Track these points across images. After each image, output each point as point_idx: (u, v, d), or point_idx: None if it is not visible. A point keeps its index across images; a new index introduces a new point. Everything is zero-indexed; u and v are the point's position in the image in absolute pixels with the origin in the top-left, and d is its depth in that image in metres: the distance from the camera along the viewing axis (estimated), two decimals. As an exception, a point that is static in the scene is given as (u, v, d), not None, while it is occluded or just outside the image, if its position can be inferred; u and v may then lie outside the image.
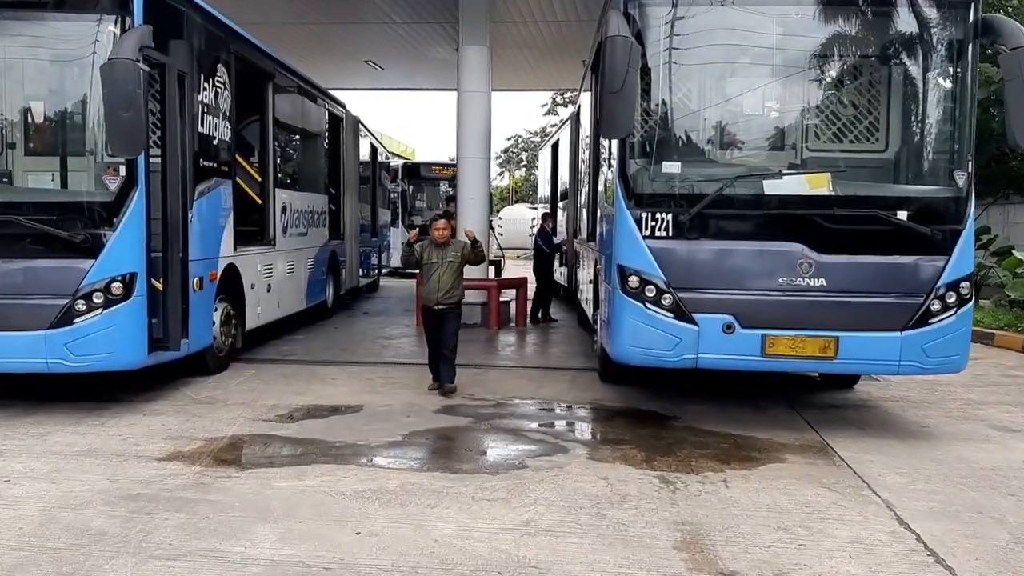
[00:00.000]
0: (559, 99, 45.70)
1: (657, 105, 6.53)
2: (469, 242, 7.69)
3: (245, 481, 5.13)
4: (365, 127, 16.68)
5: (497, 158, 62.28)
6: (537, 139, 45.67)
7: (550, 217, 14.69)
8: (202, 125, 7.90)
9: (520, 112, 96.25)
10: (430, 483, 5.12)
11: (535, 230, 15.69)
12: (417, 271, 8.15)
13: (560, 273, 15.13)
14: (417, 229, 7.51)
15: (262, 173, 10.15)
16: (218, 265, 8.34)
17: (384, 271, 20.68)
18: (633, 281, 6.38)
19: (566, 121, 15.71)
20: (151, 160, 6.89)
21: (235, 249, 8.82)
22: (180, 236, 7.37)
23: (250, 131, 10.48)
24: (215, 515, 4.54)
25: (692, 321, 6.29)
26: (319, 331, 11.89)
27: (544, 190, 20.64)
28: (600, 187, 8.28)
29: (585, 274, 11.02)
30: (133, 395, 7.38)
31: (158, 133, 7.00)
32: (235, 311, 8.94)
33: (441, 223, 7.75)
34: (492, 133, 13.20)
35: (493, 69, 13.32)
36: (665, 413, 7.15)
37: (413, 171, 25.28)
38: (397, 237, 23.92)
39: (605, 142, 7.63)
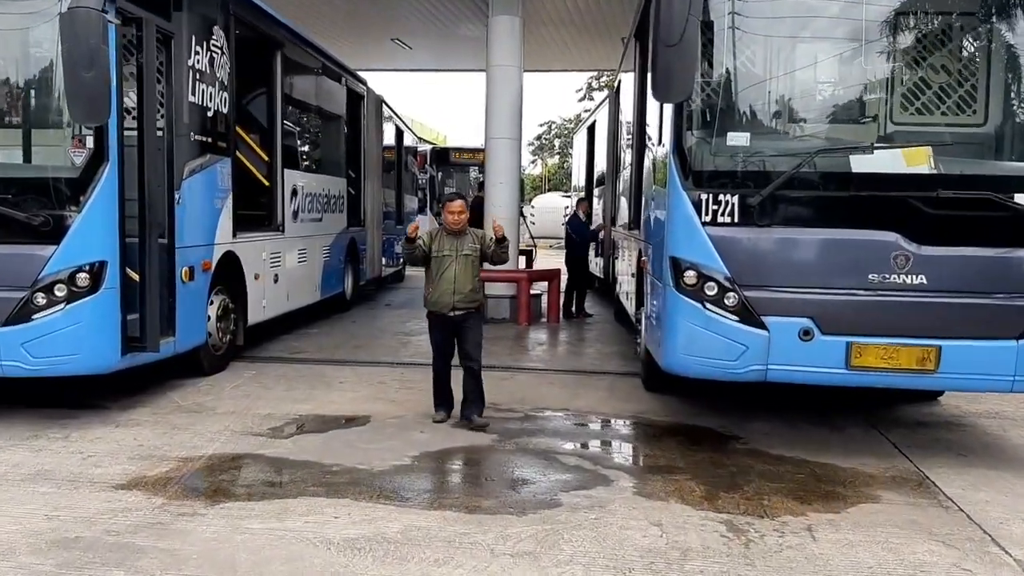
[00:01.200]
0: (595, 83, 44.28)
1: (721, 65, 5.44)
2: (493, 237, 6.04)
3: (212, 521, 4.15)
4: (390, 108, 15.69)
5: (529, 145, 61.06)
6: (572, 126, 44.37)
7: (584, 203, 13.53)
8: (193, 94, 6.94)
9: (554, 97, 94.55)
10: (440, 528, 4.10)
11: (567, 218, 14.56)
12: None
13: (595, 264, 14.04)
14: (416, 221, 6.01)
15: (269, 152, 9.19)
16: (213, 253, 7.40)
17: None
18: (689, 276, 5.31)
19: (603, 101, 14.61)
20: (127, 132, 5.96)
21: (235, 235, 7.87)
22: (163, 220, 6.45)
23: (257, 106, 9.54)
24: (161, 574, 3.57)
25: (761, 325, 5.21)
26: (335, 325, 10.95)
27: (579, 177, 19.54)
28: (646, 166, 7.20)
29: (625, 266, 9.95)
30: (111, 401, 6.46)
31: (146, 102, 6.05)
32: (235, 304, 8.01)
33: (456, 204, 5.96)
34: (524, 115, 12.14)
35: (525, 48, 12.25)
36: (722, 431, 6.09)
37: (442, 156, 24.26)
38: (426, 225, 22.98)
39: (653, 114, 6.55)
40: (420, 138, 23.39)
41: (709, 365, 5.31)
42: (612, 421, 6.48)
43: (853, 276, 5.20)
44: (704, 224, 5.28)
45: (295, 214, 9.63)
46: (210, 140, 7.31)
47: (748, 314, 5.22)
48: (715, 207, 5.26)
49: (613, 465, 5.26)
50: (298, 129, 10.09)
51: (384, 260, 15.35)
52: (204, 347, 7.40)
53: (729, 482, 4.92)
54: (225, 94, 7.61)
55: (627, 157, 9.83)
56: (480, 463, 5.27)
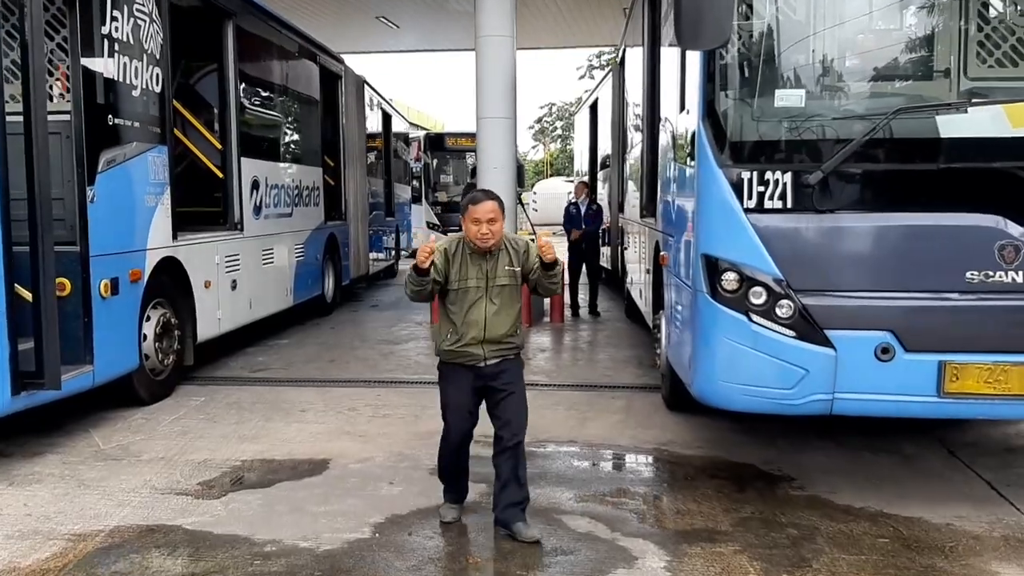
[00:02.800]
0: (596, 61, 42.83)
1: (765, 3, 4.18)
2: (536, 255, 3.82)
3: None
4: (374, 90, 14.43)
5: (529, 128, 59.75)
6: (573, 107, 42.97)
7: (585, 188, 12.16)
8: (111, 69, 5.70)
9: (553, 79, 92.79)
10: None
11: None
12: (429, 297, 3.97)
13: (603, 254, 12.77)
14: (431, 240, 3.83)
15: (223, 139, 7.96)
16: (145, 260, 6.18)
17: (404, 253, 18.52)
18: (730, 280, 4.08)
19: (606, 75, 13.33)
20: (11, 117, 4.72)
21: (176, 237, 6.65)
22: (74, 222, 5.25)
23: (207, 87, 8.34)
24: None
25: (826, 342, 3.98)
26: (310, 333, 9.73)
27: (582, 161, 18.24)
28: (663, 142, 5.96)
29: (637, 259, 8.71)
30: (16, 445, 5.27)
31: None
32: (180, 319, 6.79)
33: (487, 208, 3.73)
34: (523, 97, 10.86)
35: (520, 24, 10.98)
36: (769, 469, 4.86)
37: (437, 142, 22.91)
38: (421, 216, 21.76)
39: (672, 74, 5.30)
40: (412, 123, 22.12)
41: (757, 395, 4.08)
42: (631, 457, 5.25)
43: (945, 275, 3.96)
44: (747, 211, 4.04)
45: (257, 209, 8.40)
46: (137, 125, 6.08)
47: (808, 328, 3.98)
48: (761, 188, 4.02)
49: (635, 531, 4.01)
50: (260, 113, 8.85)
51: (373, 256, 14.15)
52: (139, 372, 6.19)
53: (792, 554, 3.69)
54: (157, 70, 6.36)
55: (635, 136, 8.59)
56: (463, 533, 4.04)
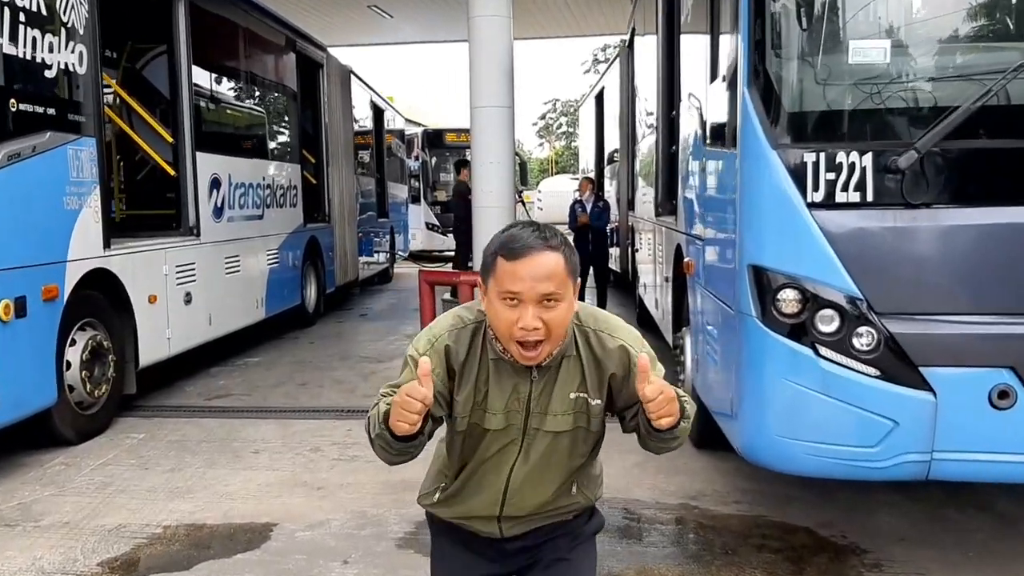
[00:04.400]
0: (601, 55, 41.72)
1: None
2: (643, 377, 1.73)
3: None
4: (363, 82, 13.41)
5: (534, 124, 58.78)
6: (578, 102, 41.88)
7: (590, 185, 11.09)
8: (12, 42, 4.68)
9: (557, 75, 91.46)
10: None
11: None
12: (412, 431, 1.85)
13: (611, 257, 11.72)
14: (424, 364, 1.73)
15: (174, 132, 6.93)
16: (64, 274, 5.15)
17: (402, 255, 17.49)
18: (789, 300, 3.02)
19: (614, 60, 12.27)
20: None
21: (108, 245, 5.63)
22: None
23: (155, 73, 7.32)
24: None
25: (922, 384, 2.92)
26: (286, 349, 8.70)
27: (588, 158, 17.15)
28: (684, 123, 4.90)
29: (651, 263, 7.64)
30: None
31: None
32: (116, 341, 5.77)
33: (539, 270, 1.73)
34: (525, 91, 9.82)
35: (518, 12, 9.93)
36: (831, 535, 3.81)
37: (435, 139, 21.89)
38: (420, 217, 20.73)
39: (696, 42, 4.26)
40: (409, 120, 21.08)
41: (828, 456, 3.02)
42: (652, 518, 4.18)
43: (1086, 291, 2.90)
44: (812, 207, 2.99)
45: (218, 211, 7.37)
46: (52, 112, 5.06)
47: (897, 365, 2.93)
48: (831, 176, 2.97)
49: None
50: (221, 104, 7.82)
51: (364, 260, 13.11)
52: (60, 407, 5.17)
53: None
54: (80, 47, 5.34)
55: (647, 124, 7.55)
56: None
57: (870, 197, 2.95)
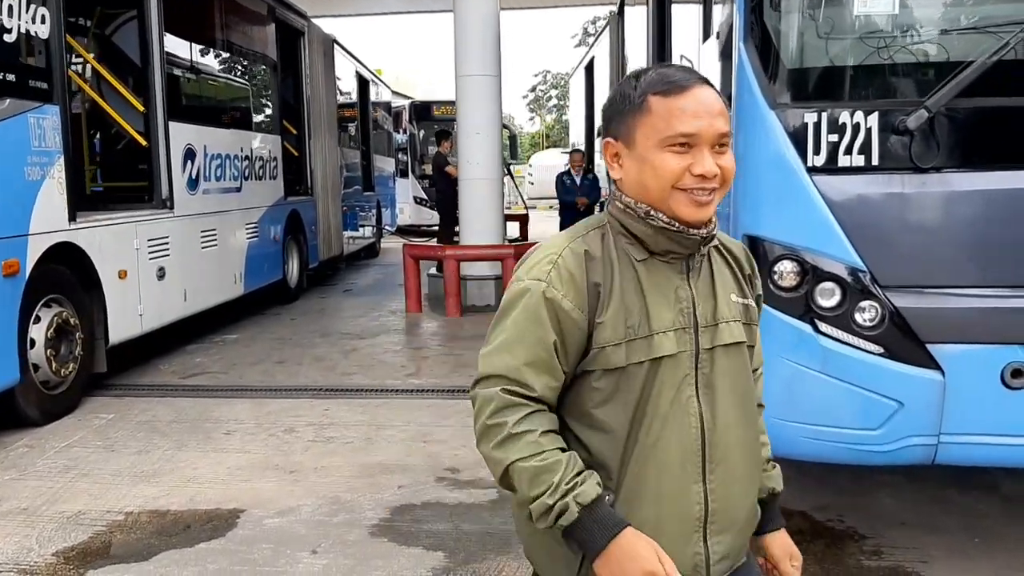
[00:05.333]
0: (591, 28, 41.24)
1: None
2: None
3: None
4: (347, 52, 13.09)
5: (524, 97, 58.25)
6: (568, 74, 41.40)
7: (578, 155, 10.86)
8: (-39, 0, 4.41)
9: (547, 48, 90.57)
10: None
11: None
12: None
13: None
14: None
15: (146, 100, 6.65)
16: (26, 248, 4.91)
17: (388, 230, 17.24)
18: (786, 272, 2.81)
19: (603, 30, 11.98)
20: None
21: (73, 218, 5.37)
22: None
23: (126, 39, 7.02)
24: None
25: (929, 362, 2.72)
26: (267, 325, 8.47)
27: (577, 131, 16.88)
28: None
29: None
30: None
31: None
32: (84, 318, 5.53)
33: (706, 103, 1.36)
34: (515, 63, 9.56)
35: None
36: (827, 520, 3.62)
37: (423, 111, 21.52)
38: (407, 191, 20.41)
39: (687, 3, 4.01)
40: (396, 92, 20.72)
41: (828, 439, 2.82)
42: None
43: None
44: (812, 171, 2.76)
45: (193, 182, 7.10)
46: (11, 78, 4.78)
47: (902, 341, 2.72)
48: (833, 137, 2.74)
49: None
50: (196, 71, 7.53)
51: (349, 234, 12.86)
52: (24, 387, 4.95)
53: None
54: (42, 10, 5.05)
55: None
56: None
57: (875, 161, 2.72)
